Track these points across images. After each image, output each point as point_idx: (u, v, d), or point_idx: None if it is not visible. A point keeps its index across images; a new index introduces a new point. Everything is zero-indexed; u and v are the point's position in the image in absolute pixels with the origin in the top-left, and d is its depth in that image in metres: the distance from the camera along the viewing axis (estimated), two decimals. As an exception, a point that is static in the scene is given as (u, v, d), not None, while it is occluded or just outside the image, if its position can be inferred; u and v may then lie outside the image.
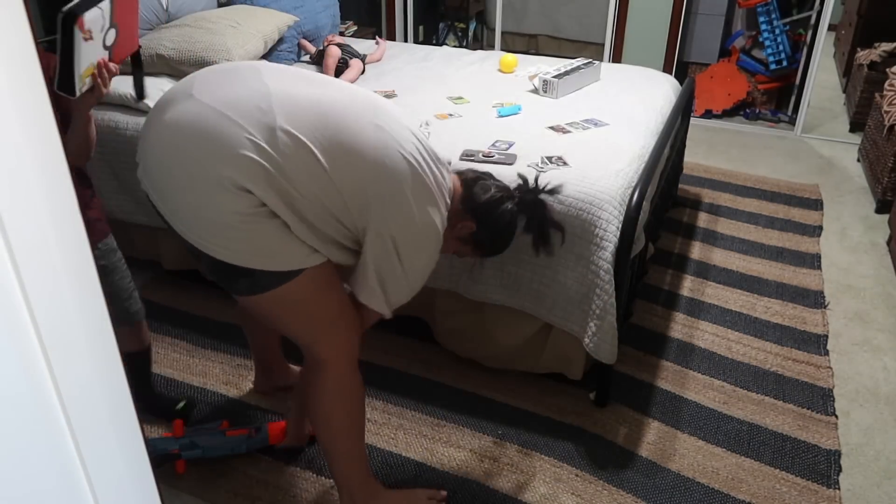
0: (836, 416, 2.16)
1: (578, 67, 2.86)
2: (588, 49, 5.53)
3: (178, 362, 2.36)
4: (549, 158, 2.15)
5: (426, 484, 1.90)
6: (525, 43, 5.81)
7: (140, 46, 1.72)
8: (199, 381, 2.28)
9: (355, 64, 2.98)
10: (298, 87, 1.47)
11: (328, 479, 1.92)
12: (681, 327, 2.55)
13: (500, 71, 3.07)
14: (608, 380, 2.15)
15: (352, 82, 2.92)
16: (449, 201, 1.59)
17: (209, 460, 1.95)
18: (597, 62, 2.99)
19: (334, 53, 2.97)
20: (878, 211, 3.40)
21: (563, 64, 2.94)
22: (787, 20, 4.42)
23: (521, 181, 1.76)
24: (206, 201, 1.39)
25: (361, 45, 3.28)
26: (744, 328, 2.55)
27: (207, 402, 2.19)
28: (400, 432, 2.08)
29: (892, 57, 4.14)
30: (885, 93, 3.58)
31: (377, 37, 3.52)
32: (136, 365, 2.00)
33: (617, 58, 4.57)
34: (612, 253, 1.93)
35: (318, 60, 3.07)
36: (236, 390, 2.24)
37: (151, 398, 2.12)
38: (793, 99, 4.50)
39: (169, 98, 1.50)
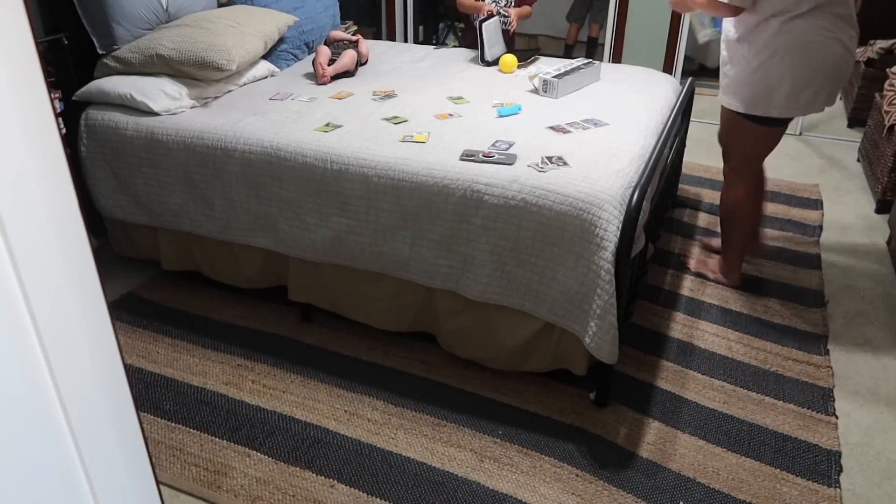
0: (836, 416, 2.16)
1: (578, 67, 2.86)
2: (565, 46, 5.56)
3: (178, 362, 2.37)
4: (549, 158, 2.15)
5: (427, 484, 1.91)
6: (525, 43, 5.82)
7: None
8: (199, 381, 2.28)
9: (346, 53, 2.97)
10: None
11: (328, 478, 1.92)
12: (681, 327, 2.55)
13: (499, 71, 3.07)
14: (608, 380, 2.15)
15: (346, 69, 2.91)
16: None
17: (209, 459, 1.95)
18: (597, 62, 2.99)
19: (324, 52, 2.97)
20: (878, 211, 3.40)
21: (564, 64, 2.94)
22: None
23: None
24: None
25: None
26: (744, 328, 2.55)
27: (207, 402, 2.19)
28: (400, 432, 2.08)
29: (889, 54, 4.16)
30: (885, 93, 3.58)
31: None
32: None
33: (617, 58, 4.57)
34: (612, 253, 1.93)
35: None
36: (236, 390, 2.24)
37: None
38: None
39: None
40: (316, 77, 2.91)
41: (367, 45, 3.22)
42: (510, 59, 3.08)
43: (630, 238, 1.93)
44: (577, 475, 1.94)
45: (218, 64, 2.57)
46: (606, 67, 3.09)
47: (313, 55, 3.05)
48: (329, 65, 2.93)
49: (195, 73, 2.60)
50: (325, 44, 3.12)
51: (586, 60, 2.98)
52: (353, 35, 3.23)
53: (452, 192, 2.09)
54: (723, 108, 2.53)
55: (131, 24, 2.69)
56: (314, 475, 1.93)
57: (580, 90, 2.82)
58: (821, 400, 2.22)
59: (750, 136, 2.49)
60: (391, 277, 2.31)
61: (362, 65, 3.15)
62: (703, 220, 3.30)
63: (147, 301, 2.69)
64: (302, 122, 2.43)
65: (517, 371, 2.26)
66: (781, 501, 1.87)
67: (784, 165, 3.94)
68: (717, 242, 2.94)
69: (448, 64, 3.19)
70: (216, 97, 2.70)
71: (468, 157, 2.16)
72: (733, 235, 2.69)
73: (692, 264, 2.90)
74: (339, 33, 3.22)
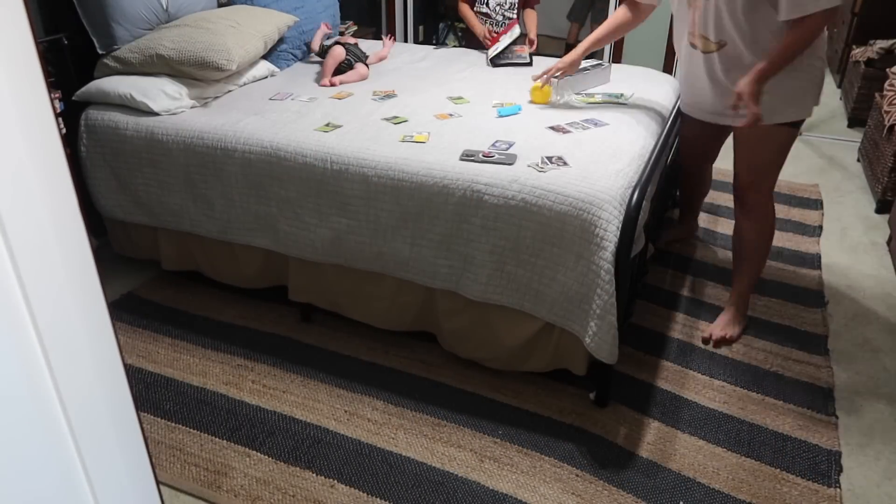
0: (836, 416, 2.16)
1: (584, 69, 2.84)
2: (566, 46, 5.56)
3: (178, 362, 2.37)
4: (549, 158, 2.15)
5: (427, 484, 1.90)
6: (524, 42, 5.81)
7: None
8: (199, 380, 2.28)
9: (359, 68, 2.97)
10: None
11: (328, 478, 1.92)
12: (681, 327, 2.55)
13: (531, 102, 2.65)
14: (608, 380, 2.15)
15: (352, 81, 2.92)
16: None
17: (208, 459, 1.95)
18: (607, 64, 2.97)
19: (337, 54, 2.96)
20: (878, 211, 3.40)
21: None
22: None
23: None
24: None
25: (364, 44, 3.26)
26: (744, 328, 2.55)
27: (207, 402, 2.19)
28: (400, 432, 2.08)
29: (889, 54, 4.16)
30: (885, 93, 3.58)
31: (385, 36, 3.47)
32: None
33: (617, 58, 4.57)
34: (612, 253, 1.93)
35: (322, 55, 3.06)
36: (236, 390, 2.24)
37: None
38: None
39: None
40: (321, 75, 2.92)
41: (388, 49, 3.24)
42: (544, 90, 2.64)
43: (630, 238, 1.93)
44: (577, 475, 1.94)
45: (218, 64, 2.57)
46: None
47: (323, 46, 3.06)
48: (342, 65, 2.94)
49: (195, 73, 2.60)
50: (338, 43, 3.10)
51: (595, 62, 2.95)
52: (351, 37, 3.22)
53: (452, 192, 2.09)
54: (758, 133, 2.24)
55: (131, 24, 2.69)
56: (314, 475, 1.93)
57: (585, 92, 2.81)
58: (821, 400, 2.22)
59: (786, 144, 2.31)
60: (391, 277, 2.31)
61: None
62: (703, 220, 3.30)
63: (147, 301, 2.69)
64: (302, 122, 2.43)
65: (517, 371, 2.26)
66: (781, 501, 1.87)
67: (784, 165, 3.94)
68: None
69: (448, 64, 3.19)
70: (216, 97, 2.70)
71: (468, 157, 2.16)
72: (758, 267, 2.46)
73: (715, 334, 2.46)
74: (342, 38, 3.22)
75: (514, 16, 3.54)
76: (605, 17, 4.58)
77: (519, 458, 1.99)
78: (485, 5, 3.57)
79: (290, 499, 1.87)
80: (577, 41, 5.62)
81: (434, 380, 2.28)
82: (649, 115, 2.57)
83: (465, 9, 3.57)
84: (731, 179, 3.84)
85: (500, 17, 3.55)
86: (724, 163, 3.94)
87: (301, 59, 3.26)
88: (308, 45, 3.21)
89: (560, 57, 2.74)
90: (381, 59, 3.21)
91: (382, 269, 2.28)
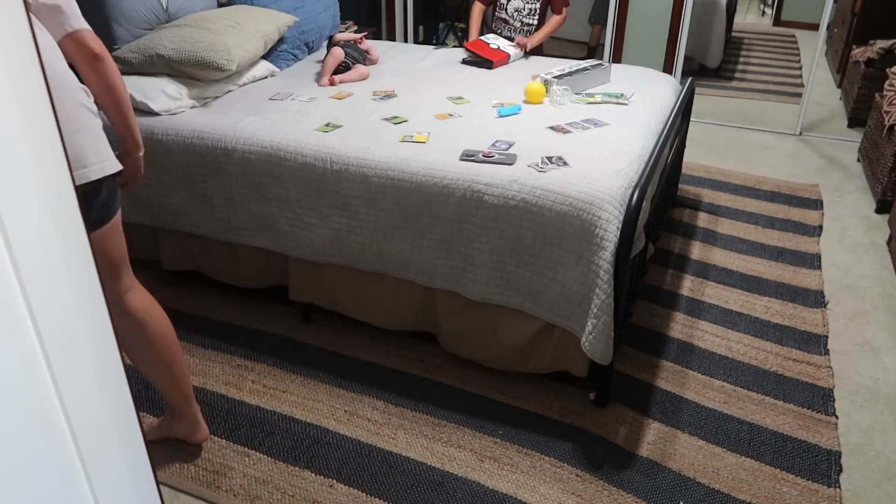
0: (836, 416, 2.16)
1: (584, 69, 2.84)
2: (587, 49, 5.53)
3: (178, 362, 2.36)
4: (549, 158, 2.15)
5: (428, 484, 1.90)
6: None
7: None
8: (198, 381, 2.28)
9: (359, 68, 2.97)
10: None
11: (327, 478, 1.92)
12: (681, 327, 2.55)
13: (525, 101, 2.66)
14: (608, 380, 2.15)
15: (351, 81, 2.92)
16: None
17: (209, 460, 1.95)
18: (607, 64, 2.97)
19: (337, 55, 2.96)
20: (878, 211, 3.40)
21: (569, 65, 2.93)
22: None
23: None
24: None
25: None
26: (744, 328, 2.55)
27: (207, 402, 2.19)
28: (400, 432, 2.08)
29: (889, 54, 4.17)
30: (885, 93, 3.58)
31: (357, 36, 3.19)
32: None
33: (617, 58, 4.57)
34: (612, 253, 1.93)
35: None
36: (236, 390, 2.24)
37: None
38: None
39: None
40: (320, 74, 2.91)
41: (377, 51, 3.23)
42: (537, 88, 2.66)
43: (630, 238, 1.93)
44: (577, 475, 1.94)
45: (218, 64, 2.57)
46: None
47: (321, 51, 3.04)
48: (341, 67, 2.93)
49: (195, 73, 2.60)
50: (337, 44, 3.09)
51: (595, 62, 2.96)
52: (359, 36, 3.21)
53: (452, 192, 2.09)
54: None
55: (131, 24, 2.69)
56: (313, 475, 1.93)
57: (585, 92, 2.81)
58: (821, 400, 2.22)
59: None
60: (391, 277, 2.31)
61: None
62: (703, 219, 3.30)
63: (147, 301, 2.69)
64: (302, 122, 2.43)
65: (517, 371, 2.26)
66: (781, 501, 1.87)
67: (784, 165, 3.94)
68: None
69: (448, 64, 3.18)
70: (216, 97, 2.70)
71: (468, 157, 2.16)
72: (166, 365, 1.89)
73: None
74: (345, 34, 3.22)
75: (535, 23, 3.54)
76: (625, 18, 4.54)
77: (519, 458, 1.99)
78: (503, 11, 3.56)
79: (289, 498, 1.87)
80: (599, 44, 5.56)
81: (434, 380, 2.28)
82: (649, 115, 2.57)
83: (475, 9, 3.57)
84: (730, 179, 3.84)
85: (517, 24, 3.55)
86: (722, 162, 3.94)
87: (301, 59, 3.26)
88: (331, 37, 3.18)
89: (581, 59, 2.59)
90: (372, 64, 3.19)
91: (383, 269, 2.28)
